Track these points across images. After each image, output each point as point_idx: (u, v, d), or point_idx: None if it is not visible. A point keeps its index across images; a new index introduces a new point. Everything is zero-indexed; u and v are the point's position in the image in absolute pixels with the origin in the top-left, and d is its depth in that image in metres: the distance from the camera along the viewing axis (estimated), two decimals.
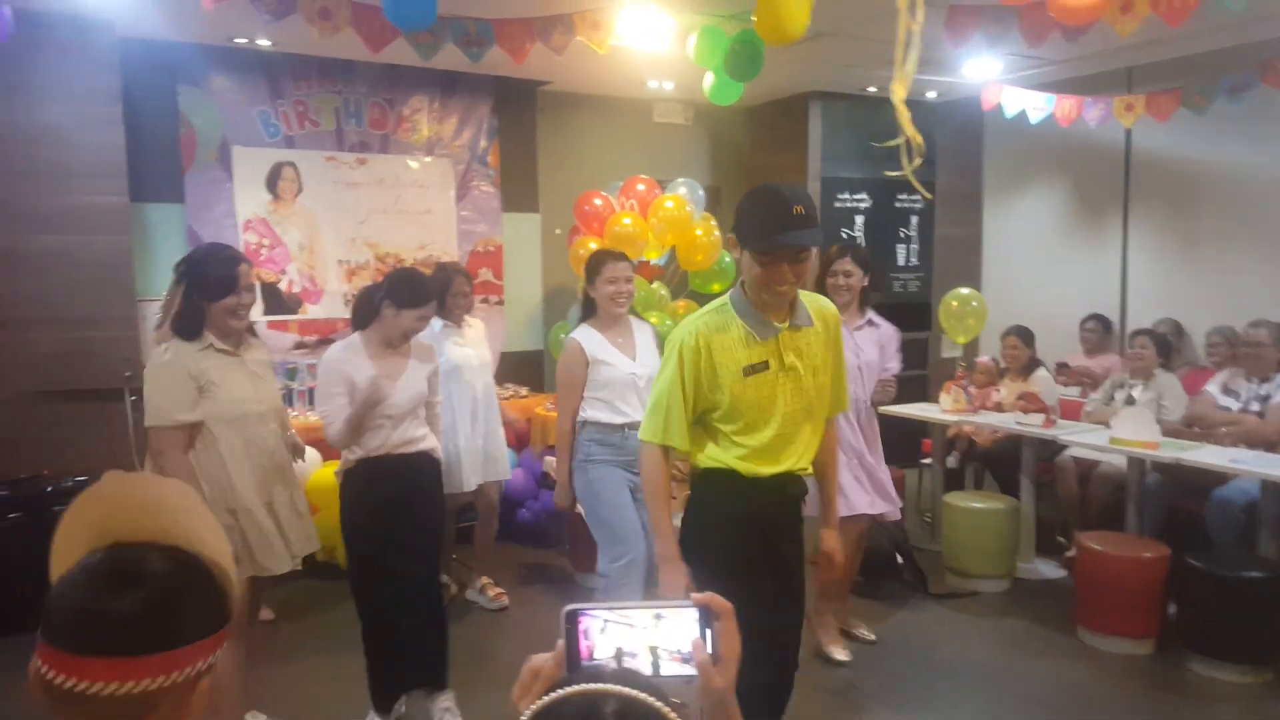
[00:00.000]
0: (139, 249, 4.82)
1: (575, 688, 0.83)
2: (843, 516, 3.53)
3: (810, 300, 2.34)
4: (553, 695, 0.83)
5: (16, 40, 3.29)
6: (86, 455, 4.35)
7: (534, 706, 0.83)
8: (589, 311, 3.49)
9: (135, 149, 4.77)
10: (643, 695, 0.81)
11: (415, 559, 3.13)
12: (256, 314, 5.14)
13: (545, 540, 5.12)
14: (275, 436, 2.92)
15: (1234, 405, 4.58)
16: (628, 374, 3.38)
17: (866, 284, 3.75)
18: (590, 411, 3.39)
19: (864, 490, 3.73)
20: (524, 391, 5.67)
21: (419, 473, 3.16)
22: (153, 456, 2.77)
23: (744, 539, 2.31)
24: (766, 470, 2.29)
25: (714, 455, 2.32)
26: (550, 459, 4.77)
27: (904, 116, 2.74)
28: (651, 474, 2.36)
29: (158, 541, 1.00)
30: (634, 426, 3.23)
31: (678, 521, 2.49)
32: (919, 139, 2.74)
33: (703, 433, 2.36)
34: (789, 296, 2.22)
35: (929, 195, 3.13)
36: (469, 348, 4.22)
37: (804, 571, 2.50)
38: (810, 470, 2.39)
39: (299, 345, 5.41)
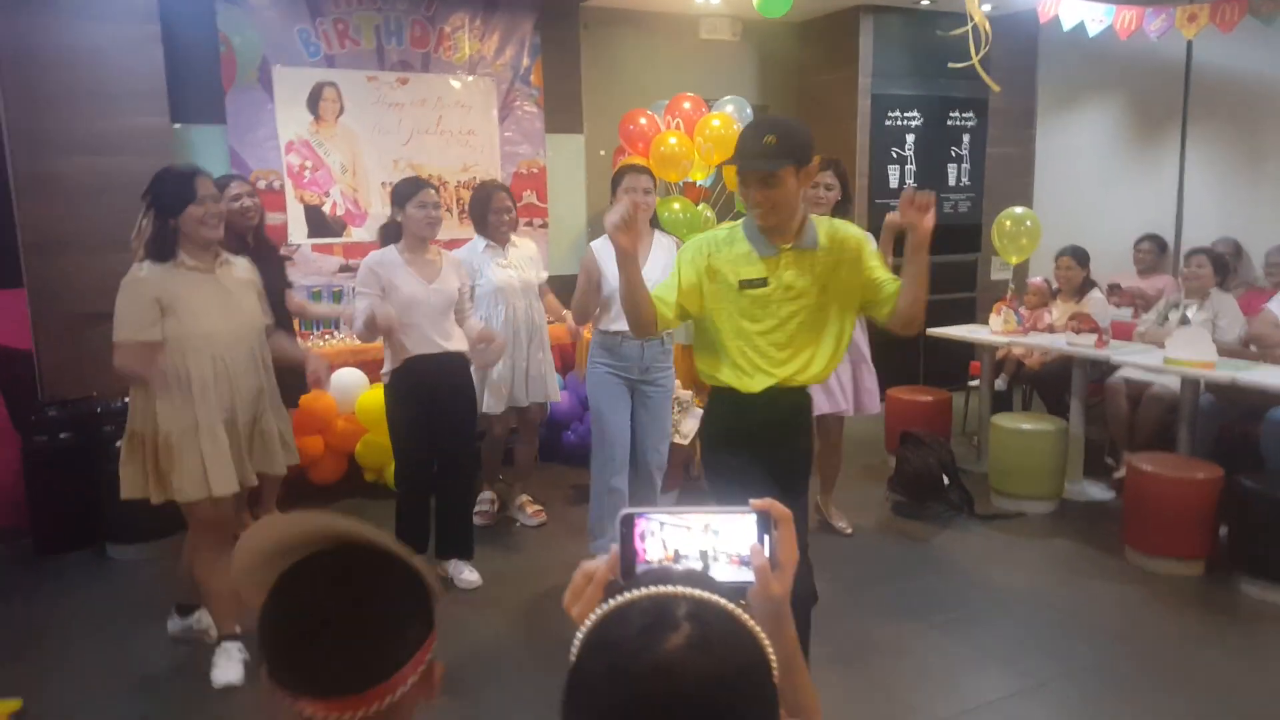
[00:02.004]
0: None
1: (644, 591, 0.79)
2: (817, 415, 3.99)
3: (830, 227, 2.49)
4: (621, 599, 0.80)
5: None
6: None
7: (601, 610, 0.80)
8: None
9: (175, 70, 4.70)
10: (714, 597, 0.79)
11: (447, 449, 3.66)
12: (300, 237, 5.19)
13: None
14: (247, 356, 2.94)
15: None
16: None
17: (840, 198, 3.95)
18: (599, 319, 3.71)
19: (834, 393, 4.10)
20: (568, 315, 5.65)
21: (450, 372, 3.60)
22: (117, 370, 2.83)
23: (740, 446, 2.50)
24: (759, 384, 2.46)
25: (712, 370, 2.53)
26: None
27: (973, 2, 2.65)
28: None
29: (338, 543, 0.97)
30: (628, 335, 3.58)
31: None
32: (987, 25, 2.65)
33: (706, 349, 2.55)
34: (767, 221, 2.38)
35: (996, 87, 3.08)
36: (512, 269, 4.20)
37: (805, 470, 2.69)
38: (816, 379, 2.53)
39: (343, 269, 5.42)
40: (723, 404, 2.56)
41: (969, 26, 2.46)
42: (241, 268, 3.05)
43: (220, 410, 2.87)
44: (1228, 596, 3.70)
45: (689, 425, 4.70)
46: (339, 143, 5.34)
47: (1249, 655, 3.24)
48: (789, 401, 2.53)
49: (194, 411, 2.83)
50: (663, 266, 3.55)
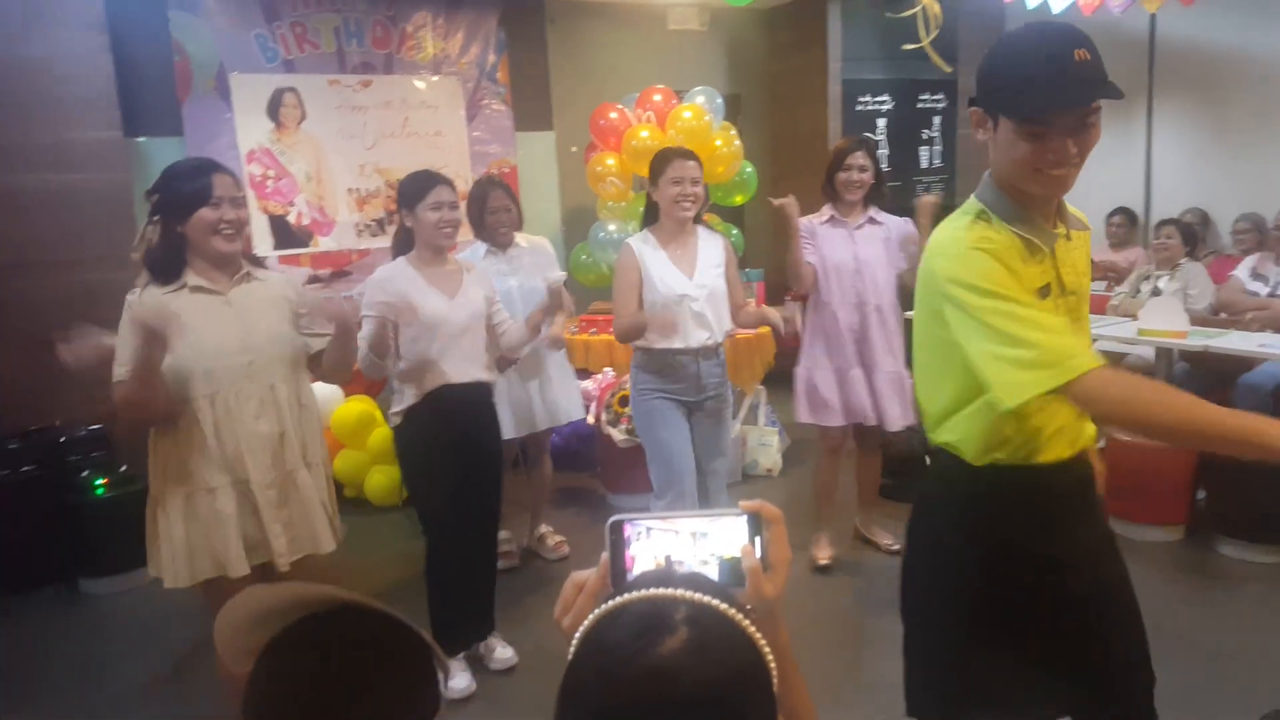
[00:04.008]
0: (139, 186, 4.67)
1: (642, 593, 0.77)
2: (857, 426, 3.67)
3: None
4: (617, 600, 0.78)
5: None
6: (98, 404, 4.25)
7: (598, 612, 0.78)
8: (651, 217, 3.17)
9: (127, 80, 4.57)
10: (714, 601, 0.77)
11: (480, 502, 2.99)
12: (266, 249, 5.07)
13: (576, 463, 5.10)
14: (261, 397, 2.30)
15: (1262, 290, 4.64)
16: (677, 294, 3.03)
17: (874, 180, 3.57)
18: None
19: (872, 397, 3.64)
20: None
21: (479, 408, 2.97)
22: (120, 414, 2.27)
23: (984, 569, 1.60)
24: (1054, 450, 1.57)
25: (968, 430, 1.60)
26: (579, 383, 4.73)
27: None
28: (1120, 396, 1.41)
29: (340, 602, 0.87)
30: (684, 353, 3.06)
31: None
32: (936, 8, 2.58)
33: (954, 391, 1.60)
34: (1067, 185, 1.52)
35: (947, 68, 2.97)
36: (513, 278, 3.70)
37: (1127, 616, 1.69)
38: (1091, 443, 1.66)
39: (312, 279, 5.31)
40: (956, 484, 1.64)
41: (918, 9, 2.42)
42: (276, 284, 2.44)
43: (221, 468, 2.27)
44: (1207, 559, 3.77)
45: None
46: (302, 150, 5.24)
47: (1230, 614, 3.31)
48: (1078, 473, 1.64)
49: (186, 468, 2.26)
50: (715, 268, 3.13)
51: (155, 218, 2.29)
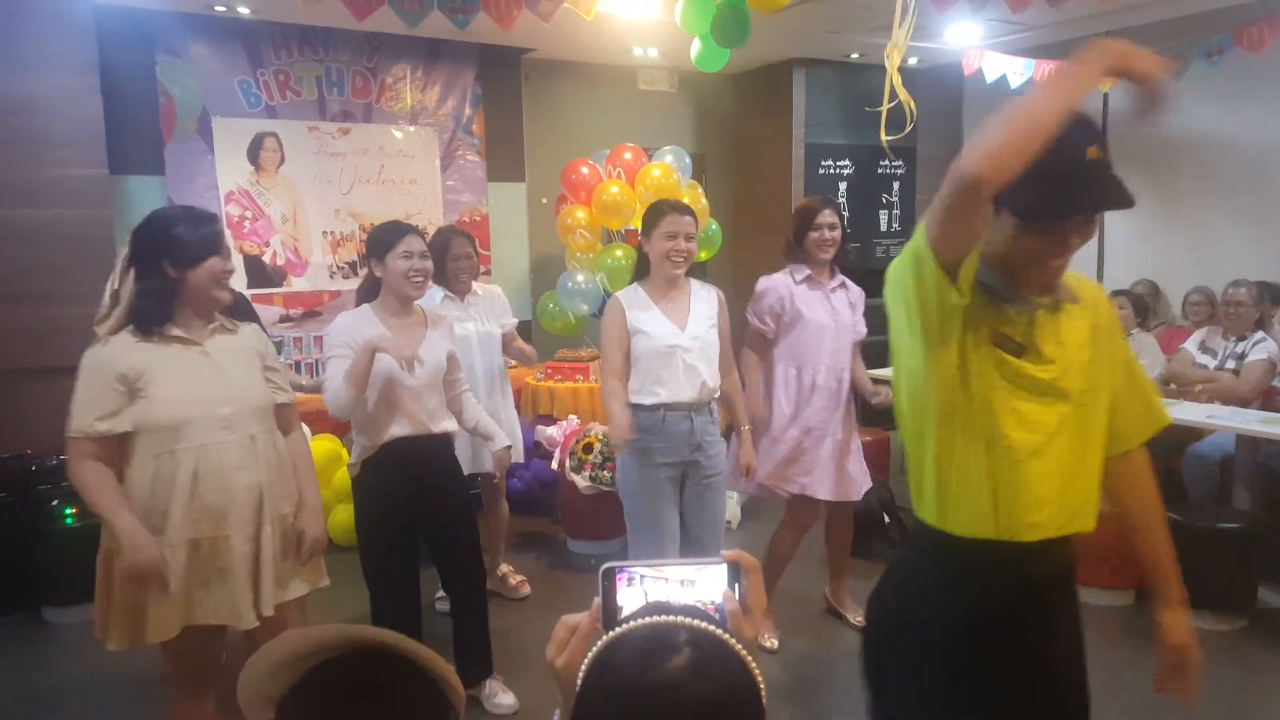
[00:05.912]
0: (119, 223, 4.75)
1: (645, 620, 0.84)
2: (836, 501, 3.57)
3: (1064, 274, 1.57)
4: (624, 627, 0.85)
5: None
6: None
7: (606, 638, 0.85)
8: (642, 270, 3.09)
9: (114, 120, 4.70)
10: (711, 627, 0.84)
11: (448, 556, 3.01)
12: (239, 286, 5.14)
13: (537, 509, 5.14)
14: (242, 448, 2.25)
15: (1210, 363, 4.69)
16: (666, 346, 2.95)
17: (841, 240, 3.50)
18: (630, 389, 3.03)
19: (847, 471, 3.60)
20: (512, 362, 5.66)
21: (438, 460, 2.95)
22: (70, 477, 2.20)
23: (957, 648, 1.53)
24: (1036, 526, 1.52)
25: (926, 501, 1.58)
26: (542, 428, 4.80)
27: (897, 82, 2.77)
28: None
29: (370, 646, 0.91)
30: (673, 408, 2.96)
31: None
32: (912, 104, 2.76)
33: (917, 436, 1.58)
34: (1062, 272, 1.50)
35: (898, 160, 3.05)
36: (470, 323, 3.81)
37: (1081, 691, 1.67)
38: (1085, 528, 1.61)
39: (284, 319, 5.40)
40: (926, 560, 1.60)
41: (894, 103, 2.59)
42: (247, 335, 2.40)
43: (205, 524, 2.19)
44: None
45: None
46: (280, 192, 5.34)
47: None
48: (1047, 566, 1.57)
49: (163, 523, 2.16)
50: (707, 320, 3.05)
51: (147, 265, 2.19)
